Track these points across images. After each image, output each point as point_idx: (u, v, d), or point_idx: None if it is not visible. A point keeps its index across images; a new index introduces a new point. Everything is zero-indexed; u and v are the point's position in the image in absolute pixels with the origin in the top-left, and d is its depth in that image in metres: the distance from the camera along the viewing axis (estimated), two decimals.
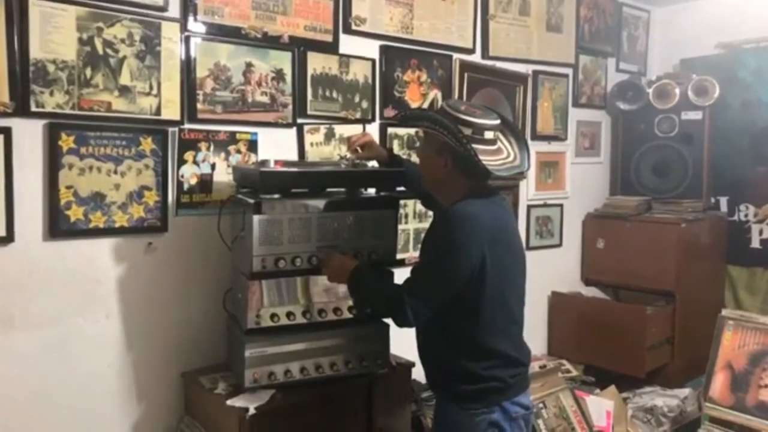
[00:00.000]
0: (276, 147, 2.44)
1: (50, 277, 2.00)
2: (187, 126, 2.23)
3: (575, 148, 3.83)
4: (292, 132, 2.52)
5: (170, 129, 2.20)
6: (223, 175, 2.32)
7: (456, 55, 3.08)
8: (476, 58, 3.19)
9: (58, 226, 1.99)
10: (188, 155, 2.24)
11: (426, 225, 2.81)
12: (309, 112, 2.55)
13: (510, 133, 1.85)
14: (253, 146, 2.39)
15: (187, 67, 2.22)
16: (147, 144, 2.14)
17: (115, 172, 2.09)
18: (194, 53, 2.24)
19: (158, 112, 2.16)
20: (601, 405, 2.92)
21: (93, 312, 2.09)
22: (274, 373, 2.01)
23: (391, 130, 2.85)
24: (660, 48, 4.28)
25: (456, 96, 3.07)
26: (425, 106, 2.95)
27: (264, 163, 1.99)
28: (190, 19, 2.22)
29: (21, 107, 1.90)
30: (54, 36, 1.95)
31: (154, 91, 2.15)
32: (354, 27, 2.67)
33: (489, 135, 1.72)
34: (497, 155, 1.75)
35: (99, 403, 2.12)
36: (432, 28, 2.97)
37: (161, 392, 2.25)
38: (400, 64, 2.86)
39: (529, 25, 3.44)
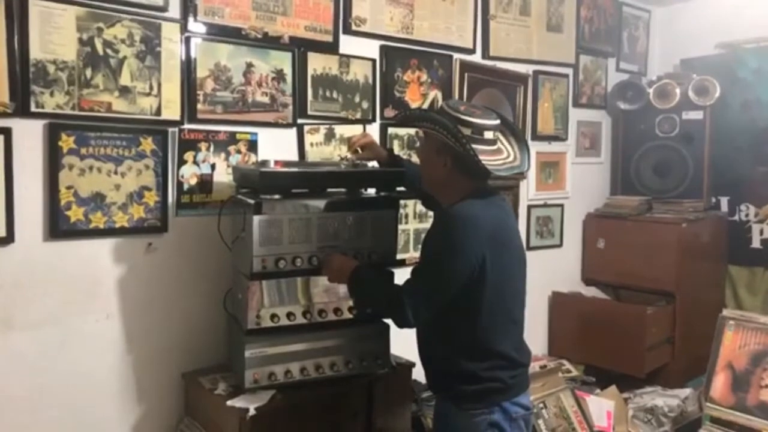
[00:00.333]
0: (276, 147, 2.44)
1: (50, 277, 2.00)
2: (187, 126, 2.23)
3: (576, 148, 3.83)
4: (293, 132, 2.52)
5: (170, 129, 2.20)
6: (223, 176, 2.32)
7: (456, 55, 3.08)
8: (476, 58, 3.19)
9: (58, 227, 1.99)
10: (188, 155, 2.24)
11: (426, 225, 2.81)
12: (309, 112, 2.55)
13: (510, 133, 1.85)
14: (253, 146, 2.39)
15: (188, 67, 2.22)
16: (147, 144, 2.14)
17: (116, 173, 2.09)
18: (194, 53, 2.24)
19: (158, 112, 2.16)
20: (601, 405, 2.93)
21: (93, 312, 2.09)
22: (274, 373, 2.01)
23: (391, 130, 2.85)
24: (660, 48, 4.28)
25: (456, 96, 3.07)
26: (425, 106, 2.94)
27: (264, 163, 1.99)
28: (191, 19, 2.22)
29: (21, 108, 1.90)
30: (54, 36, 1.94)
31: (155, 92, 2.15)
32: (354, 27, 2.67)
33: (489, 135, 1.73)
34: (497, 155, 1.75)
35: (99, 404, 2.12)
36: (432, 28, 2.97)
37: (161, 392, 2.25)
38: (401, 65, 2.86)
39: (529, 25, 3.44)
